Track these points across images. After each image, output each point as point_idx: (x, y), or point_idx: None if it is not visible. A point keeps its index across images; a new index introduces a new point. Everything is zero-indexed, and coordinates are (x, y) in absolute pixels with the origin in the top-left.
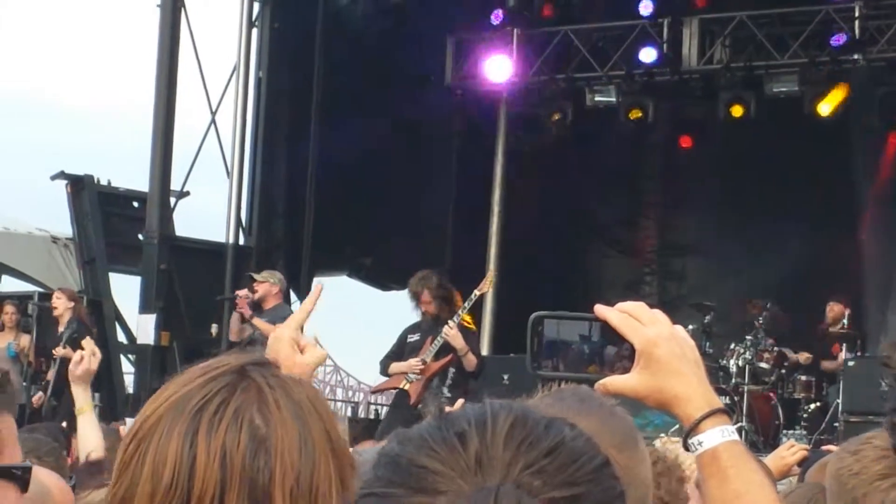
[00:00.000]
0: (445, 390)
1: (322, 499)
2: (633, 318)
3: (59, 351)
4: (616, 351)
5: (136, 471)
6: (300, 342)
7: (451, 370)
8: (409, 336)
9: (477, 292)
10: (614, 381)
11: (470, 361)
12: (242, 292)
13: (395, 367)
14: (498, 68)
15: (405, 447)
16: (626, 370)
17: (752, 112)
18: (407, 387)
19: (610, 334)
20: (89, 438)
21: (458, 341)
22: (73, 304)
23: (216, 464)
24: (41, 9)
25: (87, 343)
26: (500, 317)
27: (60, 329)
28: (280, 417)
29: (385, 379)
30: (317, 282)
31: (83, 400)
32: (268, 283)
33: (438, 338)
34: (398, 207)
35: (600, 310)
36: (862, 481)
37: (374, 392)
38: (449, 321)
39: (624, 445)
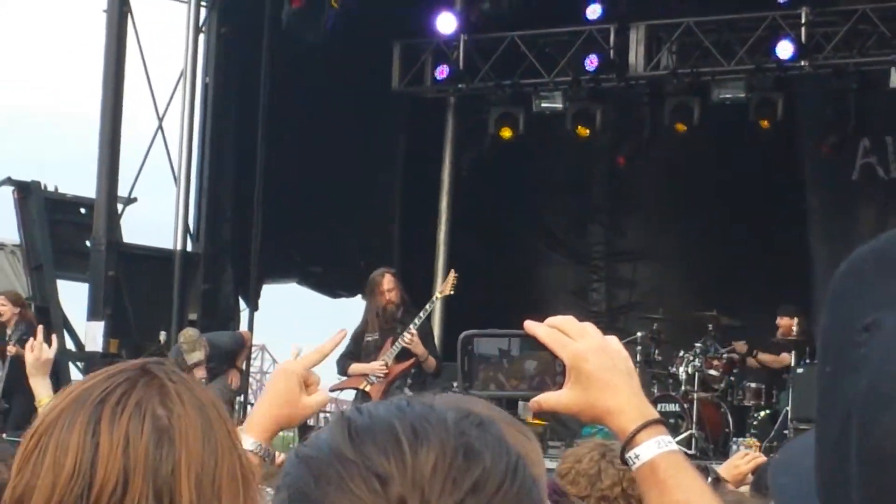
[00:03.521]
0: (407, 390)
1: (225, 495)
2: (561, 332)
3: (11, 349)
4: (545, 366)
5: (37, 463)
6: (309, 380)
7: (411, 371)
8: (366, 335)
9: (439, 294)
10: (547, 398)
11: (430, 364)
12: (200, 373)
13: (358, 367)
14: (444, 73)
15: (321, 486)
16: (561, 386)
17: (696, 118)
18: (368, 388)
19: (543, 350)
20: None
21: (418, 348)
22: (18, 308)
23: (119, 452)
24: None
25: (39, 333)
26: (448, 324)
27: (8, 332)
28: (183, 410)
29: (344, 378)
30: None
31: (42, 392)
32: (202, 366)
33: (398, 342)
34: (346, 214)
35: (529, 326)
36: None
37: (332, 390)
38: (409, 328)
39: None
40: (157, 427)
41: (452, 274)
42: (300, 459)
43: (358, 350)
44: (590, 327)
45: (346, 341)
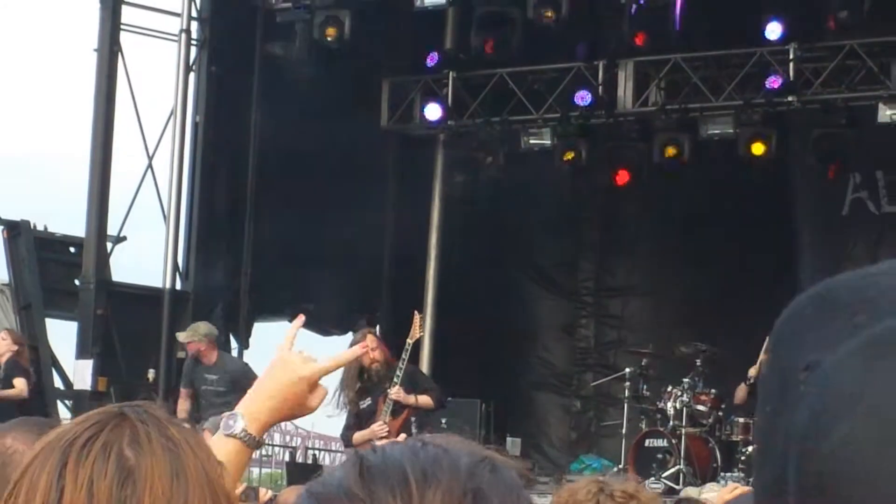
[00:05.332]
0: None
1: None
2: None
3: None
4: None
5: None
6: (315, 387)
7: (412, 419)
8: (360, 403)
9: (410, 341)
10: None
11: (427, 403)
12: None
13: (360, 436)
14: (433, 111)
15: None
16: None
17: (685, 154)
18: None
19: None
20: None
21: (408, 399)
22: (16, 346)
23: (83, 494)
24: None
25: None
26: (438, 361)
27: None
28: (150, 449)
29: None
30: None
31: None
32: (194, 343)
33: (388, 398)
34: (336, 253)
35: None
36: None
37: None
38: (392, 382)
39: None
40: (121, 468)
41: (417, 316)
42: (309, 495)
43: (357, 420)
44: None
45: (344, 415)
